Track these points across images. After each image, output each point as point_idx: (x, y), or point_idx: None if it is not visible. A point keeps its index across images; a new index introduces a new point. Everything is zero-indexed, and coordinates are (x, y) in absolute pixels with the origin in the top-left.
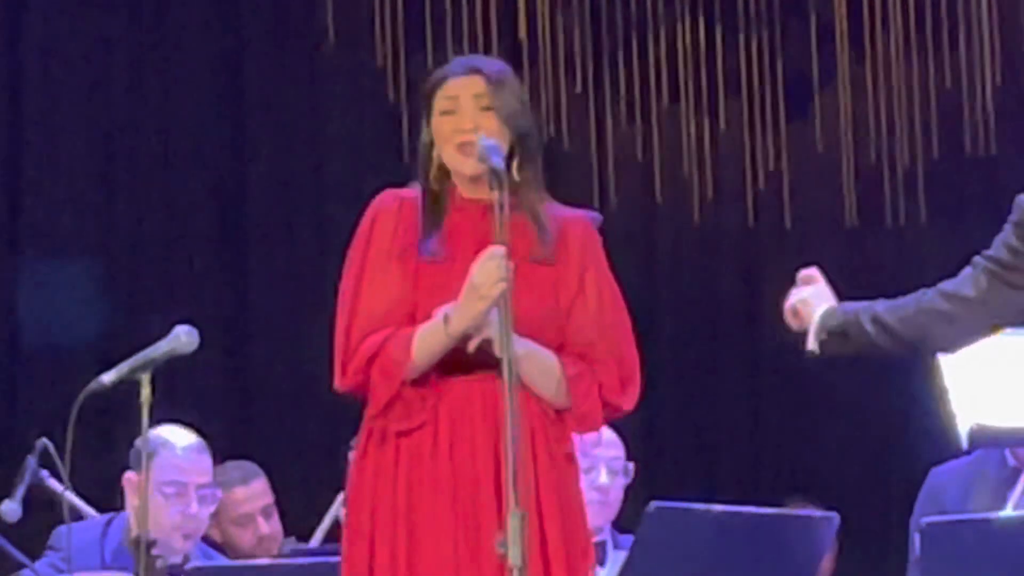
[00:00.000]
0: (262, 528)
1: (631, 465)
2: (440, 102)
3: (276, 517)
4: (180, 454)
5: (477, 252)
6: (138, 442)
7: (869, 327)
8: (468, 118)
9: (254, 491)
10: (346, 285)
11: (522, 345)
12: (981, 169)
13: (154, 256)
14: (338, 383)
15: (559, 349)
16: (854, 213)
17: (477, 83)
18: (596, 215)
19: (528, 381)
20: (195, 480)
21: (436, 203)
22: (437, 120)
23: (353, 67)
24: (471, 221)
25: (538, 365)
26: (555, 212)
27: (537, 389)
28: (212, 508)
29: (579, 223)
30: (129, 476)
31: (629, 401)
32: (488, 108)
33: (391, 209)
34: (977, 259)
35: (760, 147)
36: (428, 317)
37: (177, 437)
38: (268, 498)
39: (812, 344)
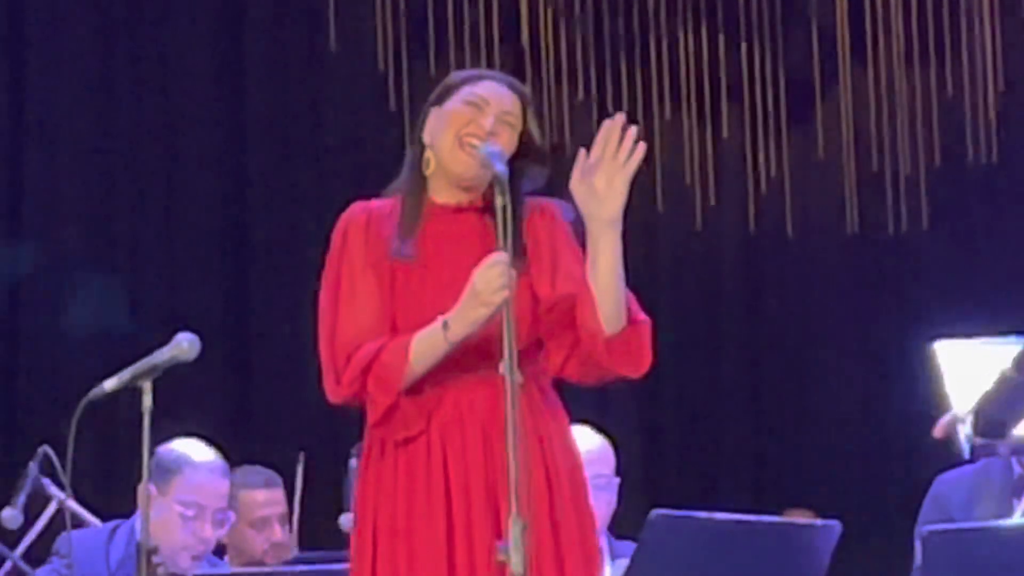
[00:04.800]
0: (277, 535)
1: (616, 480)
2: (467, 94)
3: (288, 527)
4: (204, 477)
5: (453, 256)
6: (160, 454)
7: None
8: (489, 121)
9: (274, 497)
10: (325, 300)
11: (617, 242)
12: (983, 177)
13: (155, 263)
14: (332, 395)
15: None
16: (855, 220)
17: (511, 99)
18: (566, 204)
19: (608, 287)
20: (213, 504)
21: (414, 204)
22: (456, 106)
23: (355, 73)
24: (445, 225)
25: (620, 268)
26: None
27: (612, 295)
28: (223, 531)
29: (545, 212)
30: (150, 489)
31: None
32: (511, 124)
33: (360, 221)
34: None
35: (762, 154)
36: (405, 321)
37: (202, 456)
38: (285, 507)
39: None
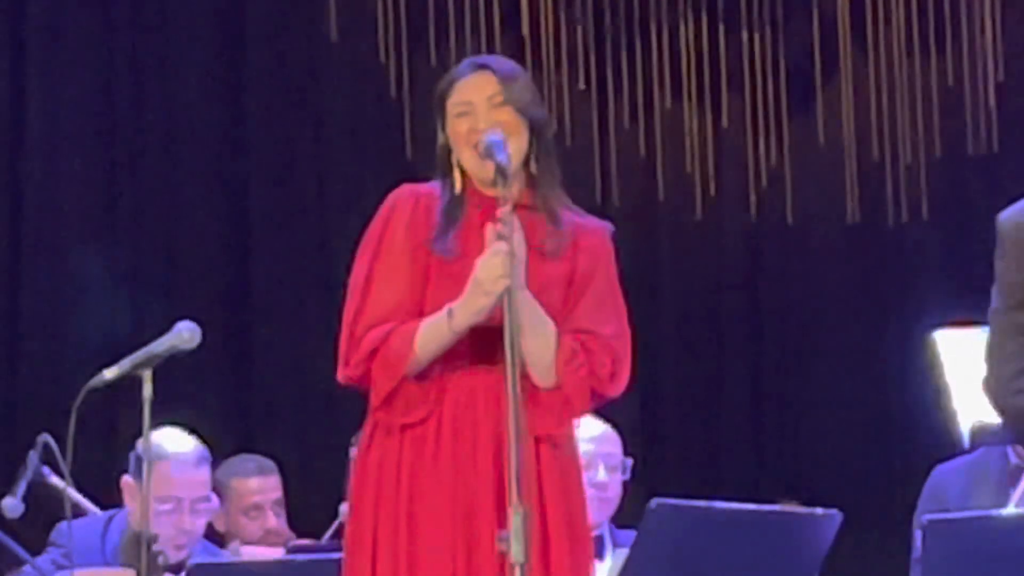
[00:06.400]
0: (270, 521)
1: (629, 461)
2: (454, 105)
3: (284, 516)
4: (177, 469)
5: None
6: (138, 446)
7: None
8: (482, 118)
9: (269, 484)
10: (356, 277)
11: (528, 305)
12: (983, 167)
13: (156, 252)
14: (340, 374)
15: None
16: (856, 210)
17: (489, 81)
18: (610, 225)
19: (523, 347)
20: (189, 495)
21: (455, 202)
22: (453, 122)
23: (356, 62)
24: (489, 217)
25: (538, 330)
26: (572, 216)
27: (530, 357)
28: (207, 518)
29: (596, 231)
30: (126, 480)
31: (615, 390)
32: (502, 104)
33: (407, 204)
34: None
35: (762, 144)
36: (434, 310)
37: (176, 447)
38: (280, 494)
39: None
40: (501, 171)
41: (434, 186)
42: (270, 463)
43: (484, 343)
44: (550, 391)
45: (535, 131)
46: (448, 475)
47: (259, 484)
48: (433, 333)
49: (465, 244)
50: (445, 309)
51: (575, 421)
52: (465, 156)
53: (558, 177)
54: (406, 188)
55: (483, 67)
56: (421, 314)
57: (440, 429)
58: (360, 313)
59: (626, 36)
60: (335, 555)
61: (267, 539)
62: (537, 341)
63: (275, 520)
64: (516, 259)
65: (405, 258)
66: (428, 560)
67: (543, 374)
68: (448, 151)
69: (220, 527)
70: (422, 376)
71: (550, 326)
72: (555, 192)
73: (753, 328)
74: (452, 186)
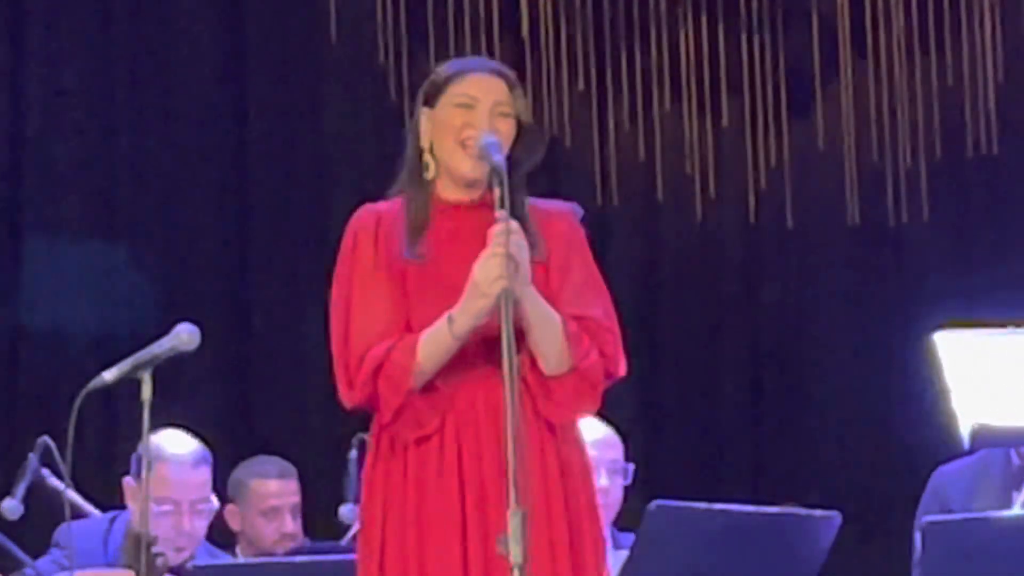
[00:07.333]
0: (287, 525)
1: (630, 467)
2: (456, 95)
3: (300, 520)
4: (174, 472)
5: (463, 254)
6: (140, 448)
7: None
8: (484, 119)
9: (288, 488)
10: (336, 304)
11: (534, 300)
12: (983, 168)
13: (156, 253)
14: (346, 399)
15: None
16: (856, 212)
17: (500, 88)
18: (577, 207)
19: (532, 337)
20: (188, 497)
21: (420, 204)
22: (448, 110)
23: (355, 65)
24: (453, 222)
25: (547, 324)
26: (536, 206)
27: (542, 350)
28: (208, 519)
29: (563, 218)
30: (127, 482)
31: (622, 369)
32: (507, 115)
33: (369, 225)
34: None
35: (762, 146)
36: (419, 321)
37: (175, 448)
38: (298, 498)
39: None
40: (498, 173)
41: (393, 203)
42: (290, 467)
43: (488, 348)
44: (562, 376)
45: (524, 147)
46: (455, 489)
47: (279, 487)
48: (435, 341)
49: (434, 250)
50: (445, 316)
51: (585, 411)
52: (445, 145)
53: (526, 190)
54: (364, 210)
55: (497, 72)
56: (408, 325)
57: (443, 443)
58: (349, 338)
59: (625, 37)
60: (335, 556)
61: (282, 542)
62: (546, 335)
63: (291, 524)
64: (515, 261)
65: (381, 274)
66: (438, 571)
67: (556, 364)
68: (419, 138)
69: (235, 526)
70: (429, 388)
71: (556, 318)
72: (523, 197)
73: (753, 329)
74: (426, 168)
